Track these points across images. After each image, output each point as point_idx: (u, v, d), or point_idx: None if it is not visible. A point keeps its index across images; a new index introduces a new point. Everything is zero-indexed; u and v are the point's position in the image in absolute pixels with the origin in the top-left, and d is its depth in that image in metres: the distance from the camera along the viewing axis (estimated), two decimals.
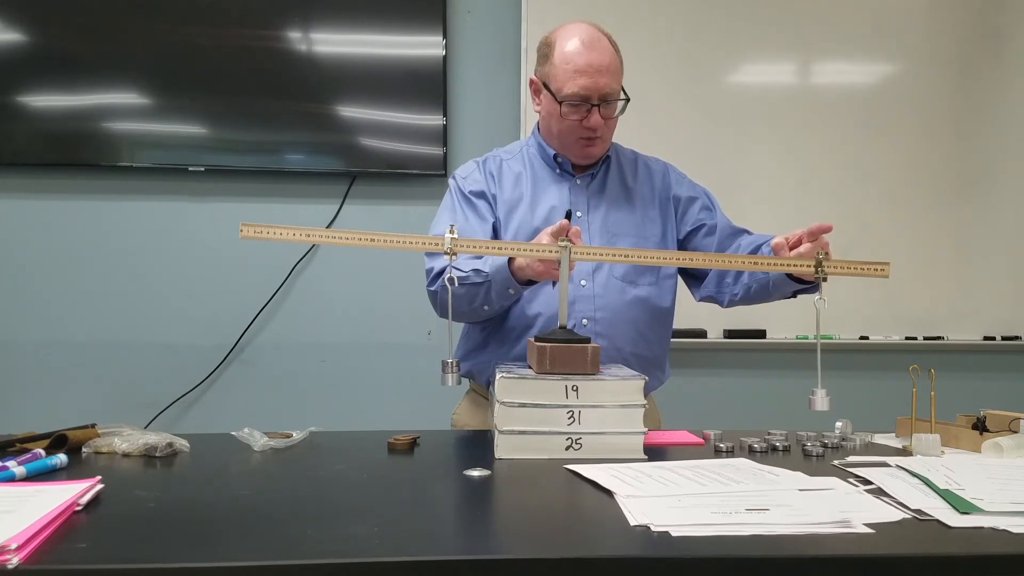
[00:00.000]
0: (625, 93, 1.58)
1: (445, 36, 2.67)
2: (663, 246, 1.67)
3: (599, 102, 1.55)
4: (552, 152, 1.68)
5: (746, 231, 1.71)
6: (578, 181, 1.67)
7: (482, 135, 2.70)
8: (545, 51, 1.62)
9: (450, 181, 1.73)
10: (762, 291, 1.60)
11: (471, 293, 1.49)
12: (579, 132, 1.59)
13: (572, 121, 1.58)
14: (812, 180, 2.75)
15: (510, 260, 1.45)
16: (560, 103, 1.57)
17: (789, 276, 1.48)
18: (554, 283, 1.50)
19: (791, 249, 1.39)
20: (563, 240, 1.30)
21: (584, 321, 1.58)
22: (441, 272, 1.55)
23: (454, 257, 1.32)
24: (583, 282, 1.61)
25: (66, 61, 2.57)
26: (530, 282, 1.48)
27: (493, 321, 1.62)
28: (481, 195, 1.66)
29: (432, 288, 1.60)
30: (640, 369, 1.37)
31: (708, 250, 1.68)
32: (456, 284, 1.34)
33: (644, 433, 1.22)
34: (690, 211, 1.71)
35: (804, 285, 1.50)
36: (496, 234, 1.64)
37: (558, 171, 1.68)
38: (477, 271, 1.48)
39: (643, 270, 1.64)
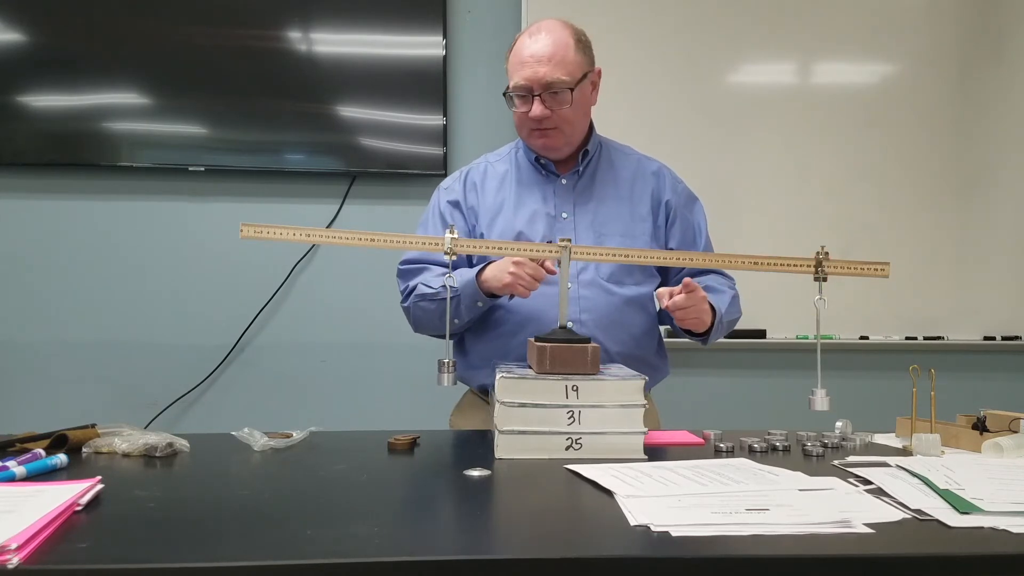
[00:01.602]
0: (578, 84, 1.55)
1: (445, 36, 2.67)
2: (652, 245, 1.67)
3: (541, 92, 1.54)
4: (534, 154, 1.67)
5: (721, 272, 1.74)
6: (563, 180, 1.67)
7: (482, 135, 2.70)
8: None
9: (434, 193, 1.75)
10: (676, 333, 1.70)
11: (441, 308, 1.52)
12: (529, 124, 1.59)
13: (521, 113, 1.58)
14: (812, 180, 2.75)
15: (478, 273, 1.48)
16: (511, 96, 1.58)
17: (687, 331, 1.59)
18: (511, 296, 1.53)
19: (670, 298, 1.47)
20: (563, 241, 1.31)
21: (569, 324, 1.57)
22: (414, 290, 1.61)
23: (454, 257, 1.33)
24: (568, 284, 1.60)
25: (66, 61, 2.57)
26: (495, 296, 1.51)
27: (479, 330, 1.63)
28: (456, 205, 1.68)
29: (405, 304, 1.64)
30: (631, 369, 1.38)
31: (676, 274, 1.70)
32: (453, 292, 1.39)
33: (644, 433, 1.22)
34: (674, 229, 1.70)
35: (697, 336, 1.62)
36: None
37: (543, 172, 1.67)
38: (446, 287, 1.48)
39: (630, 270, 1.64)
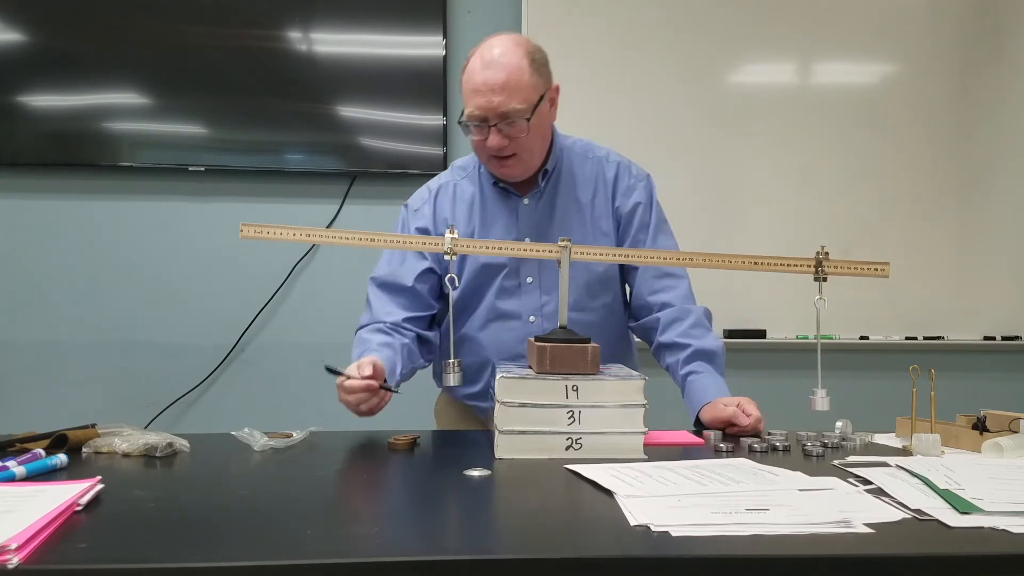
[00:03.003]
0: (535, 109, 1.48)
1: (445, 36, 2.67)
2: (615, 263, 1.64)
3: (497, 121, 1.47)
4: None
5: (671, 274, 1.63)
6: (526, 201, 1.61)
7: None
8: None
9: (402, 210, 1.70)
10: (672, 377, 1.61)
11: None
12: (487, 151, 1.52)
13: (478, 141, 1.52)
14: (812, 180, 2.75)
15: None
16: (466, 124, 1.51)
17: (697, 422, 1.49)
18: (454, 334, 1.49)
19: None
20: (564, 241, 1.31)
21: None
22: (361, 327, 1.61)
23: (454, 257, 1.33)
24: (532, 318, 1.60)
25: (66, 61, 2.57)
26: None
27: (457, 351, 1.62)
28: (424, 232, 1.63)
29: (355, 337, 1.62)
30: None
31: (632, 275, 1.65)
32: (456, 284, 1.39)
33: (644, 433, 1.22)
34: (629, 230, 1.64)
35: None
36: (436, 275, 1.62)
37: (506, 194, 1.62)
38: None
39: (596, 293, 1.61)
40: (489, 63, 1.47)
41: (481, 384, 1.63)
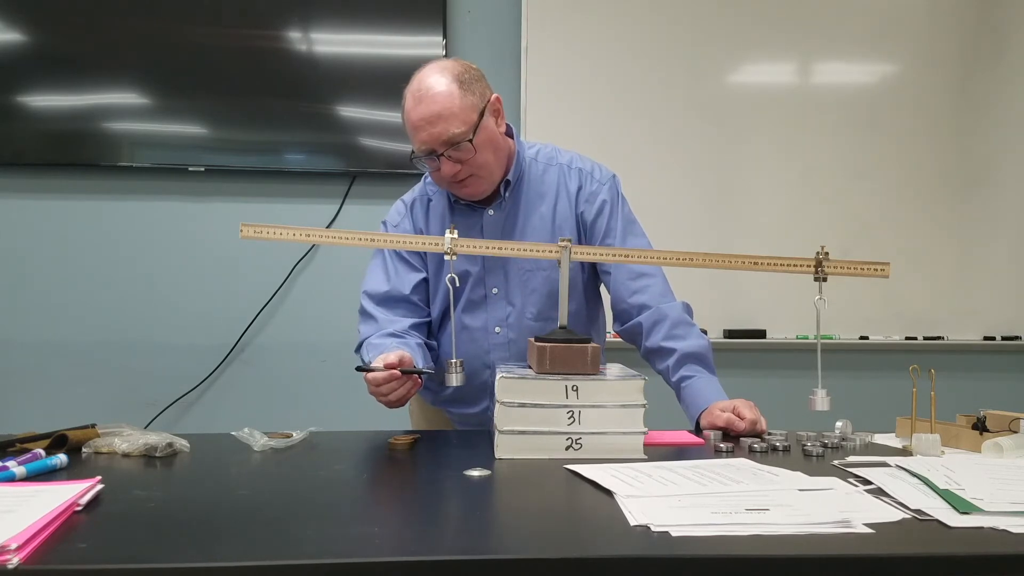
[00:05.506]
0: (477, 129, 1.48)
1: (445, 36, 2.67)
2: (583, 270, 1.64)
3: (443, 150, 1.48)
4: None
5: (645, 273, 1.61)
6: (490, 212, 1.61)
7: None
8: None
9: (381, 227, 1.70)
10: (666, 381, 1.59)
11: None
12: (445, 180, 1.54)
13: (434, 172, 1.54)
14: (812, 180, 2.75)
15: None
16: (419, 159, 1.52)
17: (697, 428, 1.48)
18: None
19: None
20: (564, 241, 1.30)
21: (500, 369, 1.55)
22: (361, 343, 1.60)
23: (454, 257, 1.33)
24: (497, 329, 1.61)
25: (66, 61, 2.57)
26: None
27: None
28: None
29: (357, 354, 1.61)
30: None
31: (608, 280, 1.64)
32: (457, 284, 1.39)
33: (644, 433, 1.22)
34: (595, 236, 1.63)
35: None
36: (427, 284, 1.64)
37: (471, 207, 1.62)
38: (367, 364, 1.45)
39: (558, 302, 1.60)
40: (420, 98, 1.48)
41: (450, 390, 1.63)
